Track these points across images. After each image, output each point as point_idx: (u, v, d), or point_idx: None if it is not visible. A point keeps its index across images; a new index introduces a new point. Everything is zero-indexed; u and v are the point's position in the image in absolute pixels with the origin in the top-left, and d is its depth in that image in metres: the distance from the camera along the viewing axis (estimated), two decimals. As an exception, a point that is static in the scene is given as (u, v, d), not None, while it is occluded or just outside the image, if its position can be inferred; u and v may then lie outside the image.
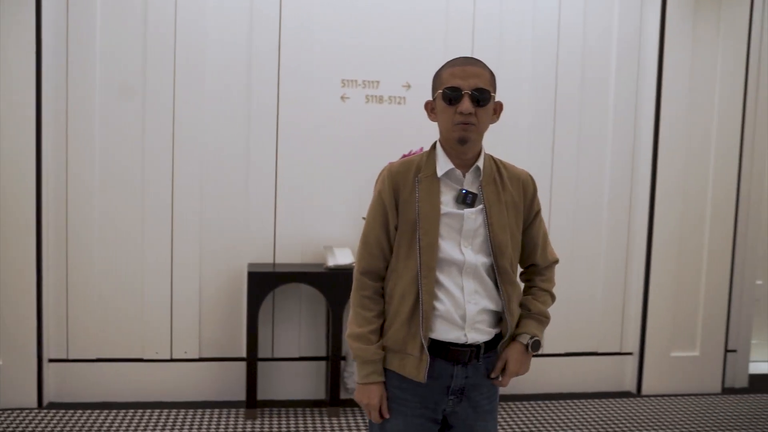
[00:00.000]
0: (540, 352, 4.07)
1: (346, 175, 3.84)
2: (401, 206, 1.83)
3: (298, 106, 3.78)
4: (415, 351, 1.78)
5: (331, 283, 3.54)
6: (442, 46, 3.83)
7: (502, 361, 1.87)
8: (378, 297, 1.87)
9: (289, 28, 3.74)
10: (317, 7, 3.76)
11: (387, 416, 1.83)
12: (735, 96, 4.14)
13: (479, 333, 1.81)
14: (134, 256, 3.74)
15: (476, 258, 1.80)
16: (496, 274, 1.81)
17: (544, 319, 1.92)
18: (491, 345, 1.86)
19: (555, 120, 4.04)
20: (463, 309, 1.79)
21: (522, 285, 1.99)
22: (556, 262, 2.00)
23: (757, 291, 4.53)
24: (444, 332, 1.79)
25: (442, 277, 1.79)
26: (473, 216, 1.80)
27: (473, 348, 1.81)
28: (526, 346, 1.87)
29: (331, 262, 3.54)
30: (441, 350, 1.79)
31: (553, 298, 1.97)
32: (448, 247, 1.79)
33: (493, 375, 1.87)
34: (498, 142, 3.95)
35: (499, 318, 1.85)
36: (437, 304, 1.78)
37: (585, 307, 4.17)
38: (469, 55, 3.85)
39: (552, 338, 4.13)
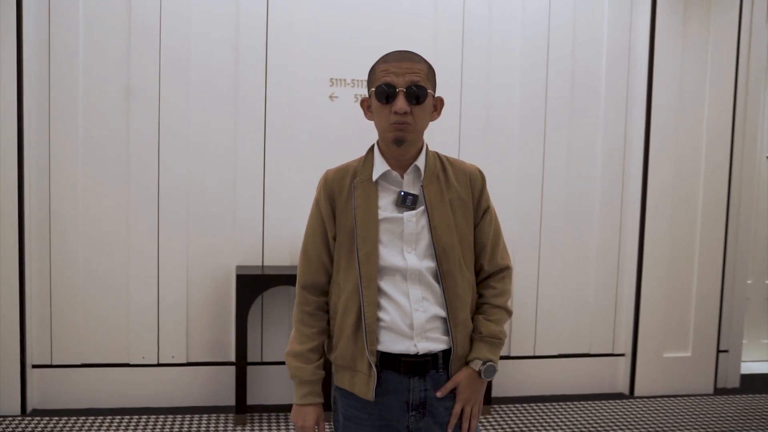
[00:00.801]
0: (532, 354, 4.08)
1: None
2: (338, 215, 1.73)
3: (286, 105, 3.73)
4: (363, 367, 1.68)
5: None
6: (432, 45, 3.79)
7: (452, 383, 1.71)
8: (320, 313, 1.77)
9: (276, 25, 3.69)
10: (305, 4, 3.71)
11: None
12: (725, 97, 4.14)
13: (432, 342, 1.69)
14: (120, 259, 3.66)
15: (421, 263, 1.69)
16: (441, 279, 1.69)
17: (497, 341, 1.75)
18: (449, 354, 1.72)
19: (546, 122, 4.02)
20: (411, 318, 1.67)
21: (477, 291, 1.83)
22: (507, 268, 1.82)
23: (748, 290, 4.53)
24: (392, 344, 1.67)
25: (386, 286, 1.69)
26: (414, 219, 1.70)
27: (428, 358, 1.69)
28: (479, 372, 1.72)
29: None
30: (392, 363, 1.68)
31: (508, 312, 1.80)
32: (389, 254, 1.69)
33: (439, 394, 1.70)
34: (488, 146, 3.95)
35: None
36: (382, 315, 1.68)
37: (577, 309, 4.14)
38: (459, 58, 3.86)
39: (544, 340, 4.10)
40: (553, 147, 4.04)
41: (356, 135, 3.76)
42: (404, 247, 1.70)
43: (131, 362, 3.70)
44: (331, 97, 3.77)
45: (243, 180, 3.73)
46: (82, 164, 3.60)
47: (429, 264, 1.70)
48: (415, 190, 1.73)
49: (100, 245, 3.65)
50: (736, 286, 4.33)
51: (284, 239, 3.77)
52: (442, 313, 1.70)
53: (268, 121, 3.72)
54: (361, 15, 3.77)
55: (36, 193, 3.56)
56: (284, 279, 3.53)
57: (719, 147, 4.15)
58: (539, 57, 3.99)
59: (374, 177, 1.72)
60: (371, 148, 1.79)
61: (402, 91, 1.64)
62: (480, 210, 1.80)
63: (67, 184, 3.59)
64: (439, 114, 1.77)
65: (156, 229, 3.67)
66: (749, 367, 4.65)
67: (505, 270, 1.83)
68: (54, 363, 3.64)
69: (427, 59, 1.74)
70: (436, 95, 1.76)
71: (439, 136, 3.75)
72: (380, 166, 1.73)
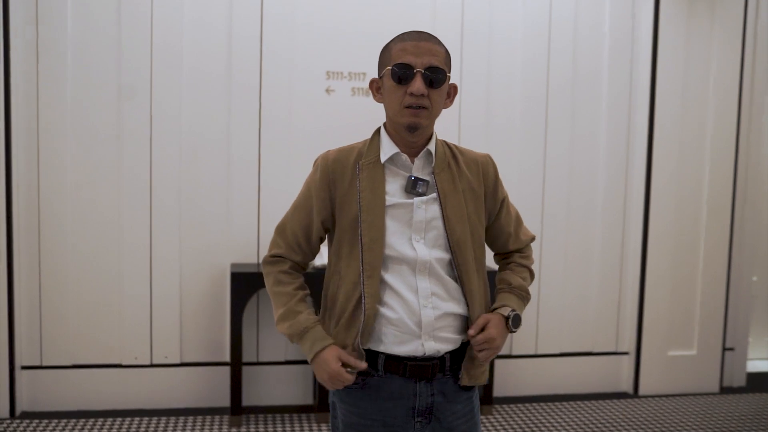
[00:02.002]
0: (534, 353, 4.00)
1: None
2: (339, 200, 1.62)
3: (282, 99, 3.65)
4: (349, 348, 1.59)
5: (319, 284, 3.40)
6: (431, 37, 3.71)
7: (483, 320, 1.61)
8: (296, 272, 1.71)
9: (271, 18, 3.61)
10: (301, -4, 3.64)
11: (363, 366, 1.57)
12: (730, 90, 4.07)
13: (440, 342, 1.59)
14: (111, 258, 3.58)
15: (431, 253, 1.59)
16: (458, 272, 1.60)
17: (525, 295, 1.72)
18: (458, 356, 1.63)
19: (547, 116, 3.94)
20: (418, 315, 1.56)
21: (490, 282, 1.75)
22: (533, 239, 1.82)
23: (754, 287, 4.46)
24: (396, 345, 1.57)
25: (392, 279, 1.58)
26: (424, 206, 1.60)
27: (434, 361, 1.59)
28: (507, 318, 1.63)
29: (318, 262, 3.41)
30: (397, 367, 1.58)
31: (532, 275, 1.78)
32: (396, 243, 1.58)
33: (471, 332, 1.59)
34: (489, 138, 3.87)
35: (466, 322, 1.63)
36: (387, 312, 1.57)
37: (580, 306, 4.07)
38: (459, 48, 3.77)
39: (547, 338, 4.03)
40: (554, 139, 3.96)
41: (353, 129, 3.65)
42: (412, 235, 1.60)
43: (123, 363, 3.63)
44: (327, 90, 3.69)
45: (238, 176, 3.65)
46: (72, 159, 3.51)
47: (439, 255, 1.60)
48: (425, 176, 1.64)
49: (91, 243, 3.56)
50: (741, 283, 4.27)
51: (280, 236, 3.68)
52: (456, 309, 1.61)
53: (263, 115, 3.65)
54: (359, 6, 3.69)
55: (25, 189, 3.48)
56: (280, 277, 3.45)
57: (724, 140, 4.08)
58: (540, 47, 3.91)
59: (383, 159, 1.62)
60: (377, 131, 1.69)
61: (420, 72, 1.56)
62: (497, 201, 1.73)
63: (56, 181, 3.50)
64: (451, 102, 1.70)
65: (149, 226, 3.59)
66: (755, 366, 4.59)
67: (530, 241, 1.82)
68: (44, 364, 3.56)
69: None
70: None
71: (439, 127, 3.66)
72: (389, 148, 1.63)
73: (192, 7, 3.55)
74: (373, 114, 3.69)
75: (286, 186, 3.68)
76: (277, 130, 3.66)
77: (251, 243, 3.67)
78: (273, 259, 1.71)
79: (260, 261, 3.64)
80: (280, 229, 1.72)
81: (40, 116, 3.47)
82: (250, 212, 3.67)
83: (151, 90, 3.54)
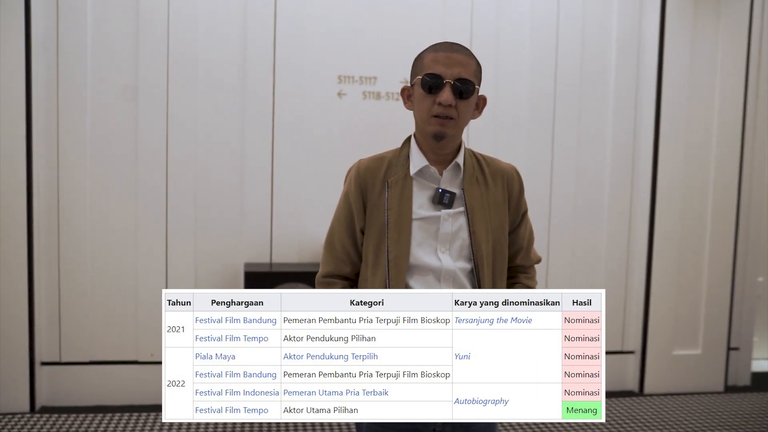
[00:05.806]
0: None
1: (343, 173, 3.76)
2: (369, 209, 1.68)
3: (294, 102, 3.72)
4: None
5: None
6: (440, 40, 3.76)
7: None
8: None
9: (284, 23, 3.68)
10: (313, 1, 3.70)
11: None
12: (736, 92, 4.10)
13: None
14: (128, 257, 3.67)
15: (455, 264, 1.65)
16: (477, 282, 1.66)
17: None
18: None
19: (554, 118, 4.00)
20: None
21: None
22: (539, 261, 1.86)
23: (759, 288, 4.50)
24: None
25: (417, 285, 1.64)
26: (451, 219, 1.65)
27: None
28: None
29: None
30: None
31: None
32: (422, 254, 1.64)
33: None
34: (497, 138, 3.93)
35: None
36: None
37: (586, 306, 4.11)
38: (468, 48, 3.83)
39: (553, 337, 4.08)
40: (562, 141, 4.01)
41: (364, 132, 3.76)
42: (438, 246, 1.66)
43: (139, 359, 3.71)
44: (339, 94, 3.76)
45: (251, 177, 3.72)
46: (90, 162, 3.60)
47: (463, 265, 1.66)
48: (453, 188, 1.68)
49: (108, 243, 3.65)
50: (746, 283, 4.30)
51: (292, 236, 3.76)
52: None
53: (276, 119, 3.72)
54: (369, 11, 3.75)
55: (45, 190, 3.57)
56: (292, 276, 3.52)
57: (730, 141, 4.12)
58: (548, 49, 3.96)
59: (412, 171, 1.67)
60: (407, 141, 1.74)
61: (449, 83, 1.60)
62: (519, 213, 1.77)
63: (75, 182, 3.59)
64: (480, 113, 1.73)
65: (164, 226, 3.67)
66: (760, 365, 4.61)
67: (537, 262, 1.86)
68: (63, 360, 3.65)
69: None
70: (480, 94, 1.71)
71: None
72: (418, 160, 1.68)
73: (207, 15, 3.62)
74: (383, 117, 3.78)
75: (298, 187, 3.75)
76: (289, 134, 3.73)
77: (264, 243, 3.75)
78: (325, 280, 1.74)
79: (271, 260, 3.74)
80: (329, 243, 1.75)
81: (60, 124, 3.55)
82: (263, 214, 3.74)
83: (167, 97, 3.61)
